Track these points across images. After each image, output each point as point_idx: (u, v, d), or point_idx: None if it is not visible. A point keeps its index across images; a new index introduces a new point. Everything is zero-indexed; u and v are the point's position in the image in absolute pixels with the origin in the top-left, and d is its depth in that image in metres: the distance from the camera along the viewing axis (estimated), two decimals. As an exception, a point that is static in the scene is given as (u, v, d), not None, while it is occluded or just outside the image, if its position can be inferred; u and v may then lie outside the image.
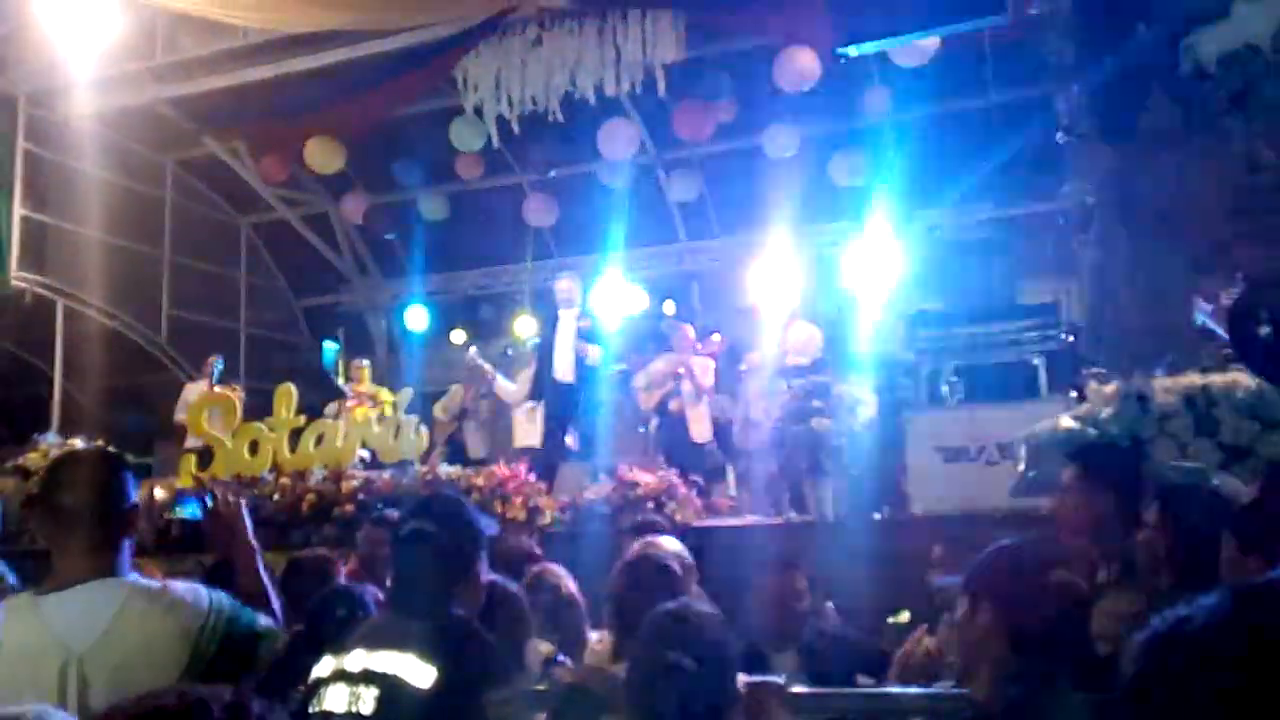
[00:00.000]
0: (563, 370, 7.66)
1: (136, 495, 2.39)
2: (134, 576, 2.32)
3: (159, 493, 7.11)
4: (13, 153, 9.54)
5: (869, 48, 4.35)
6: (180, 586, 2.35)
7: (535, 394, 7.97)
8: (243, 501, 2.66)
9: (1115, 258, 3.85)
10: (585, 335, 7.67)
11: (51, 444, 8.01)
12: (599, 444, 7.61)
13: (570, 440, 7.63)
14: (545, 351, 7.82)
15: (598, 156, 9.86)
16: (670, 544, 3.20)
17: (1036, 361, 5.61)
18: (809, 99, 8.76)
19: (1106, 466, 3.12)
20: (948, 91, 8.86)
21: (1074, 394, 4.13)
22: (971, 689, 2.01)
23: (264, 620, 2.42)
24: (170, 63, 9.44)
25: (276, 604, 2.56)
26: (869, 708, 2.32)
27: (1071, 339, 5.47)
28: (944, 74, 8.21)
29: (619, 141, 9.55)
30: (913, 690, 2.44)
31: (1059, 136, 4.34)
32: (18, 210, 9.58)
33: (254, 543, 2.59)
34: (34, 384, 10.73)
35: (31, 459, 7.56)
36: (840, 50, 4.45)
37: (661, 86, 8.43)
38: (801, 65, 8.29)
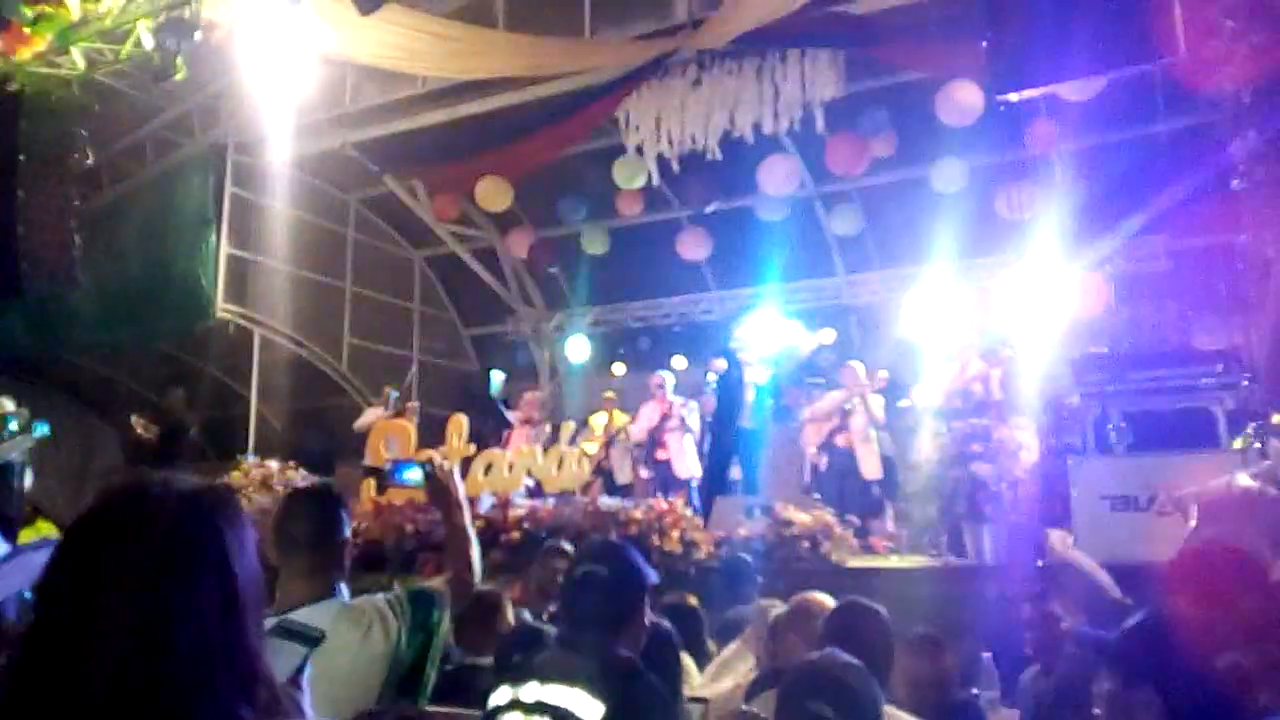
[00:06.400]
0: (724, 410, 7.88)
1: (349, 529, 2.71)
2: (344, 598, 2.62)
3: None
4: (221, 196, 10.47)
5: (1031, 93, 4.29)
6: (375, 602, 2.60)
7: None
8: (455, 469, 3.02)
9: (1296, 310, 3.69)
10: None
11: (251, 464, 8.71)
12: (758, 480, 7.70)
13: (733, 473, 7.80)
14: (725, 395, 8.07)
15: (755, 190, 9.96)
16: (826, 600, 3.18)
17: (1215, 409, 5.35)
18: (970, 131, 8.59)
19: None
20: (1117, 120, 8.48)
21: (1256, 446, 3.96)
22: None
23: (429, 586, 2.74)
24: (356, 110, 10.16)
25: (477, 552, 2.86)
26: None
27: (1250, 385, 5.19)
28: (1113, 102, 7.86)
29: (778, 177, 9.58)
30: None
31: (1234, 184, 4.16)
32: (224, 248, 10.50)
33: (464, 501, 2.92)
34: (234, 407, 11.69)
35: (234, 477, 8.25)
36: (1000, 96, 4.41)
37: (820, 123, 8.45)
38: (964, 100, 8.16)
